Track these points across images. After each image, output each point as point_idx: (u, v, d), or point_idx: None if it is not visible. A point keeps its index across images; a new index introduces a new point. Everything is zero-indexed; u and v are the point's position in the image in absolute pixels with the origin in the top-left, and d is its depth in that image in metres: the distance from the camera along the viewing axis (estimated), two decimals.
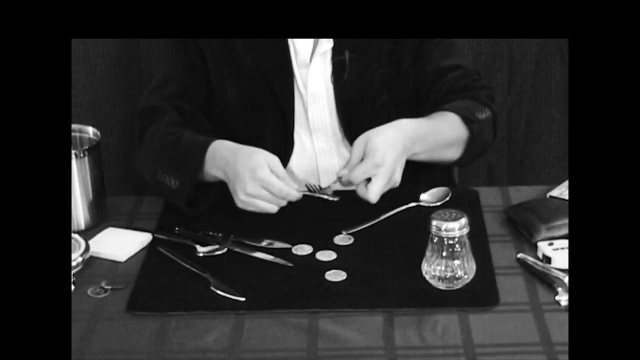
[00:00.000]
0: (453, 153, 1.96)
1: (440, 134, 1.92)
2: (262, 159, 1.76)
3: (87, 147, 1.88)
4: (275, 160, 1.77)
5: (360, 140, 1.81)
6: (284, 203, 1.78)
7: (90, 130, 1.95)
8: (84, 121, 2.06)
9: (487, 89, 2.05)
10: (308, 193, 1.85)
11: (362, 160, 1.80)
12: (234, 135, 1.95)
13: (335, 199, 1.86)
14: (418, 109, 2.02)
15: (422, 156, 1.90)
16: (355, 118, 2.00)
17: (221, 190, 1.84)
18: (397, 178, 1.82)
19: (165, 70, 2.04)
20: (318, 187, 1.92)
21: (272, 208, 1.78)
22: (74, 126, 1.95)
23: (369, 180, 1.79)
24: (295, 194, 1.77)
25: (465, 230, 1.61)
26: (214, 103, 2.02)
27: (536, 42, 2.57)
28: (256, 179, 1.75)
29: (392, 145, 1.80)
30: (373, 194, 1.79)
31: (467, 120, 1.93)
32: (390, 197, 1.89)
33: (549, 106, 2.63)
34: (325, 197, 1.87)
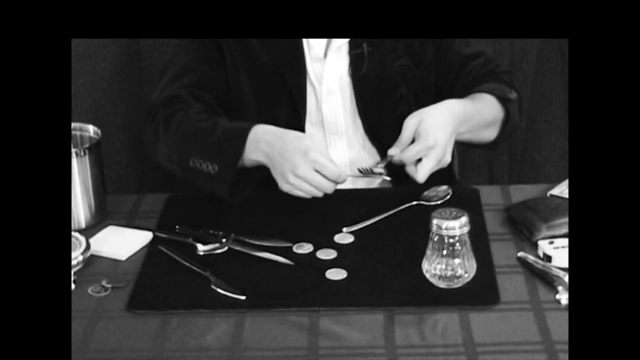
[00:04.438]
0: (490, 133, 2.01)
1: (482, 113, 1.96)
2: (311, 142, 1.78)
3: (87, 146, 1.88)
4: (321, 145, 1.78)
5: (412, 120, 1.85)
6: (332, 188, 1.79)
7: (91, 129, 1.95)
8: (84, 119, 2.06)
9: (509, 73, 2.10)
10: (359, 175, 1.85)
11: (413, 140, 1.83)
12: None
13: (388, 178, 1.88)
14: (440, 98, 2.03)
15: (466, 136, 1.94)
16: (374, 111, 2.01)
17: (262, 177, 1.85)
18: (448, 158, 1.86)
19: (182, 61, 2.03)
20: (369, 170, 1.93)
21: (319, 193, 1.79)
22: (74, 125, 1.95)
23: (419, 159, 1.82)
24: (345, 176, 1.79)
25: (466, 229, 1.62)
26: (230, 95, 2.02)
27: (537, 42, 2.58)
28: (309, 160, 1.75)
29: (443, 127, 1.84)
30: (422, 174, 1.82)
31: (503, 100, 1.99)
32: (390, 196, 1.90)
33: (550, 105, 2.63)
34: (378, 175, 1.90)
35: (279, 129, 1.83)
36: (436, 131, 1.82)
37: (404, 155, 1.83)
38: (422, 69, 2.04)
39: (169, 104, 1.95)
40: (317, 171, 1.76)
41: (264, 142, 1.81)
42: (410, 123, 1.85)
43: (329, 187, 1.79)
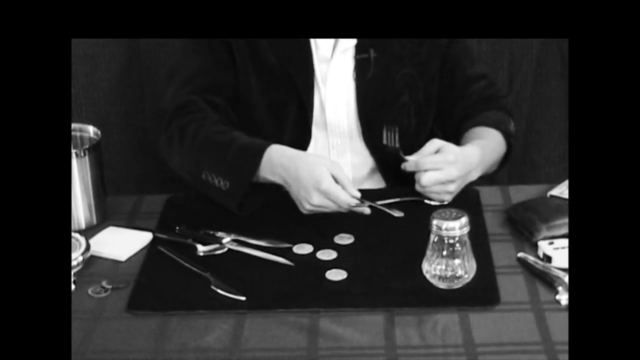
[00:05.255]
0: (493, 168, 2.04)
1: (492, 154, 1.99)
2: (325, 170, 1.77)
3: (87, 147, 1.88)
4: (337, 168, 1.79)
5: (435, 141, 1.87)
6: (347, 210, 1.80)
7: (91, 130, 1.95)
8: (84, 120, 2.06)
9: (505, 98, 2.15)
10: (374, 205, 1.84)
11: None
12: (257, 129, 1.96)
13: (400, 214, 1.85)
14: (442, 113, 2.05)
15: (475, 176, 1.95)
16: (374, 117, 2.02)
17: (272, 191, 1.86)
18: (453, 189, 1.86)
19: (192, 65, 2.03)
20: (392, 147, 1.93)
21: (339, 211, 1.80)
22: (74, 125, 1.95)
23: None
24: (357, 203, 1.79)
25: (466, 230, 1.61)
26: (239, 96, 2.02)
27: (536, 42, 2.57)
28: (321, 191, 1.76)
29: (462, 163, 1.85)
30: (427, 179, 1.83)
31: (507, 135, 2.03)
32: (391, 196, 1.90)
33: (550, 105, 2.63)
34: (389, 212, 1.86)
35: (292, 152, 1.83)
36: (458, 156, 1.85)
37: (422, 160, 1.84)
38: (427, 79, 2.05)
39: (183, 112, 1.94)
40: (330, 199, 1.78)
41: (279, 166, 1.82)
42: (437, 140, 1.88)
43: (345, 209, 1.80)
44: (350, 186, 1.79)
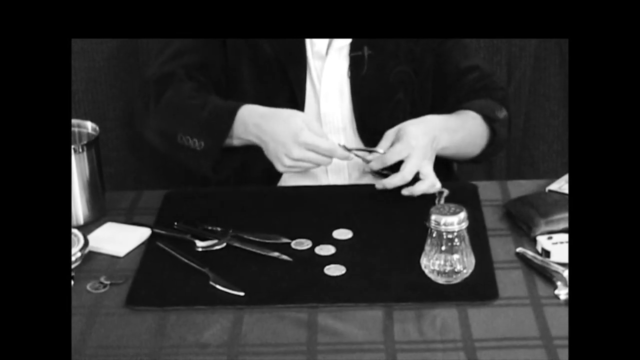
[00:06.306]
0: (474, 149, 2.02)
1: (467, 130, 1.97)
2: (301, 122, 1.78)
3: (85, 142, 1.88)
4: (312, 121, 1.80)
5: (390, 131, 1.86)
6: (329, 162, 1.80)
7: (89, 125, 1.95)
8: (82, 116, 2.06)
9: (502, 90, 2.12)
10: (354, 151, 1.85)
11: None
12: None
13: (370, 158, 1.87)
14: (435, 108, 2.05)
15: (450, 151, 1.94)
16: (370, 115, 2.02)
17: (247, 154, 1.88)
18: (428, 170, 1.84)
19: (183, 42, 2.03)
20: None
21: (316, 167, 1.81)
22: (72, 121, 1.94)
23: (396, 170, 1.83)
24: (340, 150, 1.80)
25: (464, 225, 1.61)
26: (227, 81, 2.02)
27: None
28: (300, 143, 1.77)
29: (423, 133, 1.84)
30: (408, 171, 1.82)
31: (489, 119, 2.00)
32: (388, 191, 1.90)
33: (548, 100, 2.63)
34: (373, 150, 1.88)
35: (267, 110, 1.84)
36: (416, 134, 1.83)
37: (385, 155, 1.84)
38: (422, 76, 2.04)
39: (163, 80, 1.96)
40: (311, 150, 1.77)
41: (253, 125, 1.83)
42: (389, 132, 1.87)
43: (326, 162, 1.80)
44: (325, 136, 1.80)
